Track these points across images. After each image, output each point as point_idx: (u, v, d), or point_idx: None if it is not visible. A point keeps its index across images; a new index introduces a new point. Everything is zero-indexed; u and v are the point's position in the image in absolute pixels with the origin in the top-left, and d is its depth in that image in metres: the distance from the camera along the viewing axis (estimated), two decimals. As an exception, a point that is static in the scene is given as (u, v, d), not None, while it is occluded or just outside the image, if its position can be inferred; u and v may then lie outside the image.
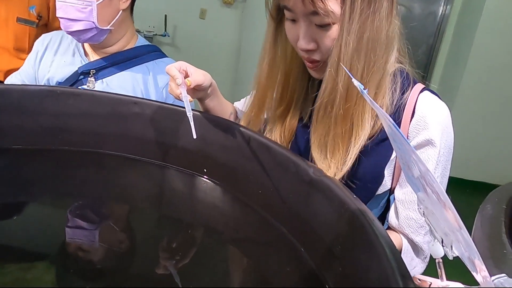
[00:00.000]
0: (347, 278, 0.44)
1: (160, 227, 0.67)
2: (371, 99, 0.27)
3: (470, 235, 0.41)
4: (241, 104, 0.88)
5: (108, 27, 0.90)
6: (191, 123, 0.61)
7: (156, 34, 3.67)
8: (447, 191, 0.31)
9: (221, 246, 0.62)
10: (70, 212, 0.64)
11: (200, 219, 0.69)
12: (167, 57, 1.01)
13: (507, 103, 3.14)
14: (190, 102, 0.66)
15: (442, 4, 3.40)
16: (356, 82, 0.27)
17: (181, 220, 0.69)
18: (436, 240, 0.31)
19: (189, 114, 0.62)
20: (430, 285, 0.34)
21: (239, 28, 3.61)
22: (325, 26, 0.57)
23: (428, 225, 0.32)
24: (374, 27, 0.57)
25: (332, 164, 0.61)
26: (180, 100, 0.67)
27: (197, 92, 0.73)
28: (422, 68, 3.55)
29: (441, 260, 0.32)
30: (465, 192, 3.10)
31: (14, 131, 0.74)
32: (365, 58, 0.58)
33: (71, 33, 0.89)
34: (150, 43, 1.01)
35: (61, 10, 0.87)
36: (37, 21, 1.37)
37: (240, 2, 3.59)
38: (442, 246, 0.30)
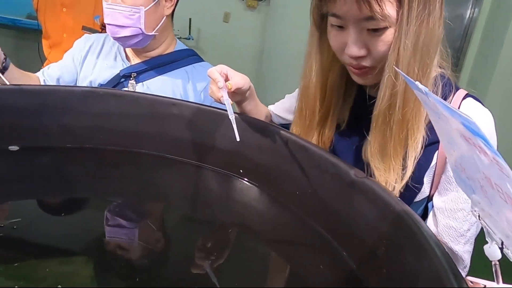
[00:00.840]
0: (392, 280, 0.44)
1: (196, 226, 0.69)
2: (441, 100, 0.27)
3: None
4: (276, 109, 0.89)
5: (153, 33, 0.93)
6: (233, 125, 0.62)
7: (180, 38, 3.73)
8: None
9: (258, 246, 0.63)
10: (109, 210, 0.67)
11: (236, 219, 0.70)
12: (204, 61, 1.03)
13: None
14: (230, 104, 0.67)
15: (470, 6, 3.33)
16: (421, 86, 0.27)
17: (217, 220, 0.70)
18: (494, 242, 0.31)
19: (232, 117, 0.63)
20: (484, 287, 0.34)
21: (263, 31, 3.63)
22: (379, 31, 0.57)
23: (485, 227, 0.32)
24: (428, 30, 0.56)
25: (393, 171, 0.60)
26: (221, 103, 0.68)
27: (236, 95, 0.74)
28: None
29: (497, 263, 0.32)
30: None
31: (58, 130, 0.77)
32: (420, 62, 0.57)
33: (118, 38, 0.91)
34: (188, 48, 1.03)
35: (110, 17, 0.89)
36: (100, 30, 1.46)
37: (264, 5, 3.61)
38: (502, 248, 0.30)
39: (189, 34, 3.68)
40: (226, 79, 0.71)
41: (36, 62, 2.19)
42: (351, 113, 0.71)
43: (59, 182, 0.72)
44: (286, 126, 0.81)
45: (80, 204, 0.71)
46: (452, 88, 0.65)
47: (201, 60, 1.02)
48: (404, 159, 0.61)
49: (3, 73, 0.80)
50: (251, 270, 0.55)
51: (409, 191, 0.64)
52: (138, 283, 0.48)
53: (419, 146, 0.60)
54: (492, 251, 0.31)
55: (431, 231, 0.42)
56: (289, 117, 0.85)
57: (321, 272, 0.55)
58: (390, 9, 0.55)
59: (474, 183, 0.33)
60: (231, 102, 0.69)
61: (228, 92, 0.69)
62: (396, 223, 0.45)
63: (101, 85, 0.96)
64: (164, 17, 0.95)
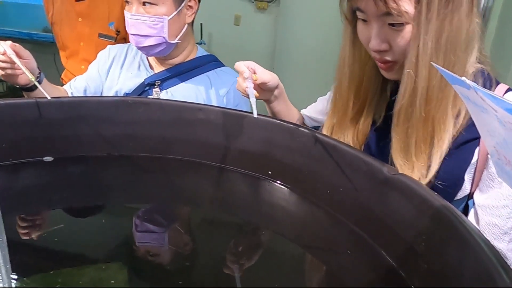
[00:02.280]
0: (435, 275, 0.44)
1: (226, 228, 0.70)
2: (488, 91, 0.27)
3: None
4: (310, 111, 0.89)
5: (176, 41, 0.95)
6: (253, 104, 0.66)
7: (192, 43, 3.77)
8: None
9: (292, 248, 0.64)
10: (139, 216, 0.69)
11: (267, 221, 0.71)
12: (225, 66, 1.04)
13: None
14: (255, 97, 0.69)
15: (484, -4, 3.27)
16: (468, 82, 0.28)
17: (248, 222, 0.71)
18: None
19: (252, 100, 0.67)
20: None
21: (274, 32, 3.64)
22: (399, 26, 0.57)
23: None
24: (453, 27, 0.56)
25: (416, 169, 0.60)
26: (246, 95, 0.70)
27: (264, 92, 0.76)
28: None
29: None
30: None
31: (90, 139, 0.79)
32: (444, 59, 0.57)
33: (142, 48, 0.93)
34: (209, 53, 1.05)
35: (133, 27, 0.91)
36: (115, 35, 1.50)
37: (274, 6, 3.61)
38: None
39: (201, 38, 3.71)
40: (254, 73, 0.72)
41: (53, 74, 2.24)
42: (387, 109, 0.71)
43: (92, 190, 0.74)
44: (319, 128, 0.82)
45: (113, 210, 0.73)
46: (493, 83, 0.64)
47: (222, 65, 1.04)
48: (429, 157, 0.60)
49: (36, 88, 0.84)
50: (286, 272, 0.55)
51: (451, 188, 0.63)
52: (169, 285, 0.49)
53: (445, 144, 0.60)
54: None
55: (472, 224, 0.42)
56: (322, 118, 0.85)
57: (360, 272, 0.55)
58: (408, 6, 0.55)
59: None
60: (257, 94, 0.70)
61: (254, 86, 0.71)
62: (436, 218, 0.46)
63: (127, 94, 0.98)
64: (186, 25, 0.97)
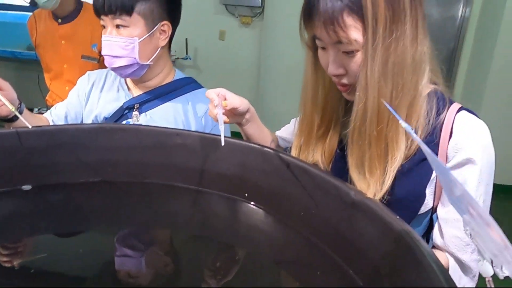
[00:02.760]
0: (398, 296, 0.46)
1: (205, 250, 0.71)
2: (416, 136, 0.30)
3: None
4: (282, 133, 0.92)
5: (148, 63, 0.97)
6: (221, 132, 0.68)
7: (178, 58, 3.80)
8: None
9: (267, 267, 0.65)
10: (120, 241, 0.70)
11: (244, 242, 0.72)
12: (203, 87, 1.07)
13: (536, 104, 3.06)
14: (225, 122, 0.72)
15: (461, 7, 3.38)
16: (404, 124, 0.30)
17: (225, 243, 0.72)
18: (485, 260, 0.33)
19: (221, 127, 0.69)
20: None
21: (258, 46, 3.69)
22: (351, 53, 0.62)
23: (476, 246, 0.34)
24: (398, 53, 0.60)
25: (371, 184, 0.63)
26: (217, 121, 0.73)
27: (235, 116, 0.78)
28: (444, 72, 3.51)
29: (490, 279, 0.34)
30: (498, 197, 3.01)
31: (70, 167, 0.80)
32: (392, 82, 0.61)
33: (114, 69, 0.96)
34: (187, 76, 1.08)
35: (107, 48, 0.94)
36: (98, 57, 1.53)
37: (258, 21, 3.67)
38: (492, 266, 0.32)
39: (186, 54, 3.75)
40: (224, 100, 0.76)
41: (37, 92, 2.24)
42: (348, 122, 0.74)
43: (73, 216, 0.75)
44: None
45: (94, 236, 0.74)
46: (446, 102, 0.67)
47: (200, 86, 1.07)
48: (384, 173, 0.63)
49: (17, 118, 0.85)
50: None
51: (413, 203, 0.66)
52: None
53: (397, 161, 0.63)
54: (484, 269, 0.34)
55: (431, 249, 0.44)
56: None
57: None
58: (356, 34, 0.60)
59: (463, 204, 0.35)
60: (226, 120, 0.74)
61: (225, 112, 0.74)
62: (397, 242, 0.48)
63: (106, 118, 1.00)
64: (159, 48, 0.99)
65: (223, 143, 0.66)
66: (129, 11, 0.93)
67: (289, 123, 0.96)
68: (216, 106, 0.73)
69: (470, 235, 0.35)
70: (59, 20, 1.60)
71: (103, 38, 0.94)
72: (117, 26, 0.94)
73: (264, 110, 3.75)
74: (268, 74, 3.48)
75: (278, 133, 0.94)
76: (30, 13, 1.67)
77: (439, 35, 3.43)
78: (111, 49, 0.94)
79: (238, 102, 0.77)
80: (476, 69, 3.31)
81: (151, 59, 0.98)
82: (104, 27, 0.96)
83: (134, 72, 0.97)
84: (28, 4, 1.53)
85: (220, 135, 0.69)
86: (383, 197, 0.64)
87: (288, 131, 0.91)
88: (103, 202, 0.81)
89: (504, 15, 2.93)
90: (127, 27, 0.94)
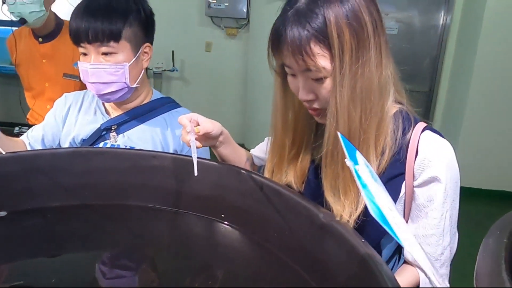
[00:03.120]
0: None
1: (184, 270, 0.71)
2: (358, 175, 0.31)
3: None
4: (257, 151, 0.94)
5: (135, 85, 0.98)
6: (194, 162, 0.68)
7: (165, 70, 3.81)
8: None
9: (243, 287, 0.66)
10: (100, 264, 0.70)
11: (221, 262, 0.73)
12: (181, 107, 1.08)
13: (517, 108, 3.13)
14: (197, 147, 0.72)
15: (442, 15, 3.45)
16: (348, 162, 0.32)
17: (202, 263, 0.73)
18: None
19: (194, 155, 0.69)
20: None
21: (245, 58, 3.72)
22: (320, 80, 0.64)
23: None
24: (364, 78, 0.62)
25: (346, 206, 0.64)
26: (190, 146, 0.73)
27: (208, 140, 0.79)
28: (428, 80, 3.58)
29: None
30: (484, 202, 3.06)
31: (46, 191, 0.80)
32: (361, 106, 0.63)
33: (103, 95, 0.95)
34: (164, 96, 1.08)
35: (94, 76, 0.92)
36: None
37: (244, 32, 3.71)
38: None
39: (173, 66, 3.76)
40: (197, 125, 0.76)
41: (19, 108, 2.21)
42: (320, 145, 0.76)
43: (51, 241, 0.75)
44: None
45: (73, 260, 0.74)
46: (411, 122, 0.70)
47: (178, 106, 1.07)
48: (358, 195, 0.65)
49: None
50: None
51: None
52: None
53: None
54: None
55: (392, 273, 0.46)
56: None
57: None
58: (324, 62, 0.62)
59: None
60: (199, 145, 0.74)
61: (198, 137, 0.75)
62: (361, 265, 0.49)
63: (84, 140, 1.00)
64: (143, 70, 1.00)
65: (196, 173, 0.67)
66: (117, 38, 0.92)
67: None
68: (189, 132, 0.73)
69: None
70: (40, 39, 1.59)
71: (87, 66, 0.92)
72: (103, 53, 0.92)
73: (251, 121, 3.77)
74: (255, 85, 3.50)
75: (253, 151, 0.95)
76: (15, 28, 1.66)
77: (422, 43, 3.50)
78: (100, 77, 0.92)
79: (210, 126, 0.77)
80: (459, 75, 3.37)
81: (137, 82, 0.98)
82: (84, 54, 0.94)
83: (123, 96, 0.98)
84: (16, 20, 1.52)
85: (203, 157, 0.70)
86: (358, 217, 0.65)
87: (262, 149, 0.92)
88: (81, 226, 0.81)
89: (483, 21, 3.01)
90: (115, 54, 0.93)
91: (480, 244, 0.48)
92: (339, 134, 0.41)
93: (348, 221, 0.62)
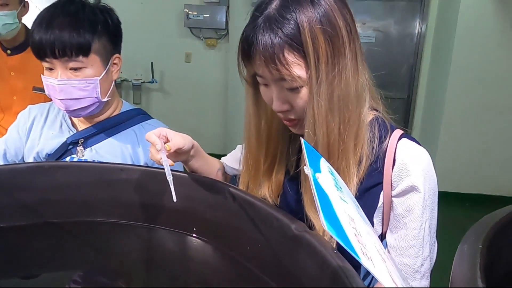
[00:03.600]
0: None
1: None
2: (317, 183, 0.29)
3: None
4: (229, 160, 0.90)
5: (106, 99, 0.94)
6: (171, 186, 0.63)
7: (144, 82, 3.76)
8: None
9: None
10: (66, 285, 0.65)
11: (194, 277, 0.70)
12: (152, 118, 1.04)
13: (492, 112, 3.20)
14: (170, 166, 0.68)
15: (418, 24, 3.53)
16: (306, 170, 0.29)
17: (175, 279, 0.70)
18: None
19: (169, 178, 0.64)
20: None
21: (225, 68, 3.71)
22: (295, 89, 0.60)
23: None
24: (342, 86, 0.60)
25: None
26: (161, 165, 0.69)
27: (179, 155, 0.76)
28: (406, 87, 3.64)
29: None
30: (464, 206, 3.10)
31: (6, 210, 0.75)
32: (339, 115, 0.60)
33: (73, 111, 0.91)
34: (135, 107, 1.04)
35: (63, 92, 0.87)
36: None
37: (223, 43, 3.70)
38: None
39: (152, 77, 3.72)
40: (166, 141, 0.72)
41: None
42: (298, 158, 0.73)
43: (15, 262, 0.70)
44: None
45: (39, 282, 0.69)
46: (388, 129, 0.68)
47: (149, 117, 1.03)
48: None
49: None
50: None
51: None
52: None
53: (352, 193, 0.62)
54: None
55: (363, 285, 0.43)
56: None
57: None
58: (299, 71, 0.59)
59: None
60: (172, 163, 0.69)
61: (169, 154, 0.70)
62: (332, 278, 0.47)
63: (49, 155, 0.95)
64: (113, 82, 0.96)
65: (175, 199, 0.62)
66: (87, 52, 0.86)
67: None
68: (159, 150, 0.68)
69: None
70: (8, 51, 1.54)
71: (54, 82, 0.87)
72: (72, 68, 0.87)
73: (232, 131, 3.74)
74: (235, 95, 3.49)
75: (224, 160, 0.92)
76: None
77: (399, 52, 3.56)
78: (69, 93, 0.87)
79: (181, 141, 0.72)
80: (435, 81, 3.44)
81: (108, 94, 0.94)
82: (50, 69, 0.89)
83: (93, 111, 0.93)
84: None
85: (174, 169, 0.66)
86: None
87: (235, 158, 0.89)
88: (45, 245, 0.77)
89: (457, 29, 3.08)
90: (84, 68, 0.88)
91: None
92: (302, 140, 0.39)
93: (331, 237, 0.59)
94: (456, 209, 2.90)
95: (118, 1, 3.42)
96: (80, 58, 0.87)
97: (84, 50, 0.86)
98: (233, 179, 0.91)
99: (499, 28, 3.03)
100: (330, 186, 0.32)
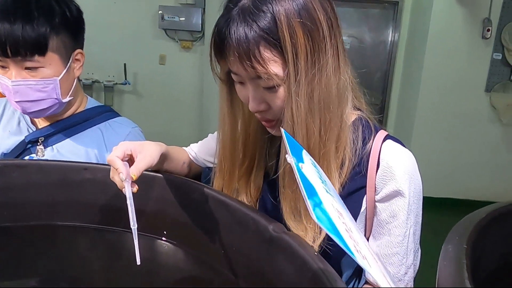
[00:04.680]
0: None
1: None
2: (301, 172, 0.25)
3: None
4: (201, 151, 0.84)
5: (68, 99, 0.86)
6: (135, 241, 0.53)
7: (116, 83, 3.65)
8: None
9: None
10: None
11: (163, 284, 0.65)
12: (119, 116, 0.97)
13: (462, 119, 3.30)
14: (134, 193, 0.58)
15: (391, 32, 3.61)
16: (289, 159, 0.26)
17: (142, 286, 0.64)
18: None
19: (134, 227, 0.54)
20: None
21: (200, 70, 3.66)
22: (272, 88, 0.56)
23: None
24: (322, 85, 0.56)
25: (309, 229, 0.57)
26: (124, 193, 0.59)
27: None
28: (379, 93, 3.70)
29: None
30: (436, 210, 3.16)
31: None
32: (320, 117, 0.56)
33: (31, 113, 0.83)
34: (101, 104, 0.97)
35: (18, 94, 0.79)
36: None
37: (198, 45, 3.65)
38: None
39: (125, 79, 3.61)
40: (131, 159, 0.63)
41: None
42: (277, 161, 0.68)
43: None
44: (212, 169, 0.77)
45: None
46: (372, 130, 0.64)
47: (116, 115, 0.96)
48: None
49: None
50: None
51: None
52: None
53: (335, 190, 0.59)
54: None
55: (346, 288, 0.40)
56: (213, 160, 0.80)
57: None
58: (276, 69, 0.54)
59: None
60: (135, 190, 0.58)
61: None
62: (314, 282, 0.43)
63: (5, 154, 0.87)
64: (76, 79, 0.89)
65: (138, 262, 0.52)
66: (43, 51, 0.78)
67: None
68: (124, 181, 0.57)
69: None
70: None
71: (8, 83, 0.78)
72: (27, 68, 0.79)
73: (206, 134, 3.65)
74: (210, 98, 3.44)
75: (194, 149, 0.84)
76: None
77: (373, 59, 3.63)
78: (26, 95, 0.79)
79: (148, 161, 0.62)
80: (408, 87, 3.52)
81: (70, 93, 0.86)
82: (2, 67, 0.80)
83: (54, 111, 0.86)
84: None
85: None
86: (323, 241, 0.58)
87: (207, 149, 0.82)
88: (1, 252, 0.70)
89: (428, 38, 3.17)
90: (41, 68, 0.79)
91: (435, 252, 0.44)
92: (282, 130, 0.35)
93: (312, 246, 0.54)
94: (426, 212, 2.94)
95: (91, 0, 3.32)
96: (36, 57, 0.78)
97: (39, 49, 0.78)
98: (205, 171, 0.86)
99: (468, 37, 3.14)
100: (314, 177, 0.29)
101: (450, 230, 0.52)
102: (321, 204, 0.26)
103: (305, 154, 0.33)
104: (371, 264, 0.28)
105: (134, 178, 0.58)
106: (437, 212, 3.13)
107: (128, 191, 0.57)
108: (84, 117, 0.91)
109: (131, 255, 0.72)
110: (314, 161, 0.37)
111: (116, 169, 0.59)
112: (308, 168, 0.29)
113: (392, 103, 3.66)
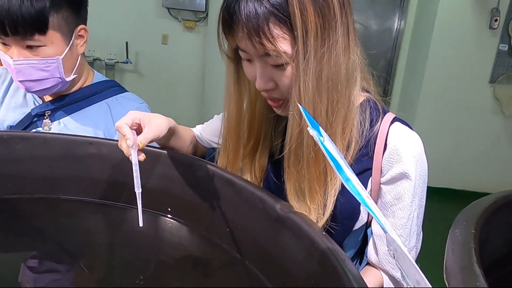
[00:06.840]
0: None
1: (126, 271, 0.63)
2: (323, 145, 0.25)
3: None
4: (206, 132, 0.84)
5: (72, 77, 0.85)
6: (138, 204, 0.53)
7: (118, 62, 3.61)
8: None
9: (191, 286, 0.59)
10: (25, 265, 0.59)
11: (166, 261, 0.65)
12: (127, 91, 0.96)
13: (464, 110, 3.28)
14: (140, 161, 0.57)
15: (397, 19, 3.55)
16: (311, 131, 0.25)
17: (146, 263, 0.64)
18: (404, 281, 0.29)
19: (138, 191, 0.54)
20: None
21: (203, 51, 3.62)
22: (280, 66, 0.55)
23: (399, 269, 0.31)
24: (331, 64, 0.55)
25: (313, 210, 0.58)
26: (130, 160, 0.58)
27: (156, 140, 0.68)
28: (383, 81, 3.67)
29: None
30: (433, 199, 3.18)
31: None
32: (327, 97, 0.56)
33: (35, 92, 0.82)
34: (108, 79, 0.96)
35: (21, 74, 0.78)
36: None
37: (202, 26, 3.60)
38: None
39: (127, 58, 3.57)
40: (139, 128, 0.62)
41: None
42: (283, 141, 0.68)
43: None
44: (216, 150, 0.77)
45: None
46: (379, 112, 0.64)
47: (124, 90, 0.95)
48: (324, 196, 0.59)
49: None
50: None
51: (348, 221, 0.62)
52: None
53: (337, 183, 0.59)
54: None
55: (356, 270, 0.40)
56: (217, 140, 0.79)
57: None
58: (285, 46, 0.54)
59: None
60: (142, 158, 0.58)
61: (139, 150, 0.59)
62: (321, 261, 0.43)
63: (11, 127, 0.86)
64: (79, 56, 0.87)
65: (141, 224, 0.52)
66: (43, 30, 0.76)
67: None
68: (131, 147, 0.57)
69: (393, 255, 0.31)
70: None
71: (10, 61, 0.77)
72: (28, 46, 0.77)
73: (208, 115, 3.64)
74: (212, 79, 3.41)
75: (200, 130, 0.84)
76: None
77: (378, 46, 3.58)
78: (28, 74, 0.78)
79: (156, 132, 0.61)
80: (412, 76, 3.49)
81: (74, 71, 0.85)
82: (4, 44, 0.78)
83: (58, 90, 0.85)
84: None
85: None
86: (326, 222, 0.58)
87: (213, 130, 0.82)
88: (3, 223, 0.70)
89: (435, 27, 3.13)
90: (43, 47, 0.78)
91: (432, 240, 0.44)
92: (299, 105, 0.34)
93: (318, 221, 0.55)
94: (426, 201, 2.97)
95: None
96: (36, 36, 0.76)
97: (39, 27, 0.76)
98: (209, 151, 0.86)
99: (475, 28, 3.10)
100: (335, 152, 0.29)
101: (448, 220, 0.52)
102: (349, 181, 0.25)
103: (322, 130, 0.33)
104: (395, 239, 0.28)
105: (141, 146, 0.58)
106: (435, 201, 3.15)
107: (134, 157, 0.56)
108: (91, 91, 0.90)
109: (134, 230, 0.73)
110: (330, 139, 0.37)
111: (124, 136, 0.58)
112: (328, 143, 0.29)
113: (394, 92, 3.63)
